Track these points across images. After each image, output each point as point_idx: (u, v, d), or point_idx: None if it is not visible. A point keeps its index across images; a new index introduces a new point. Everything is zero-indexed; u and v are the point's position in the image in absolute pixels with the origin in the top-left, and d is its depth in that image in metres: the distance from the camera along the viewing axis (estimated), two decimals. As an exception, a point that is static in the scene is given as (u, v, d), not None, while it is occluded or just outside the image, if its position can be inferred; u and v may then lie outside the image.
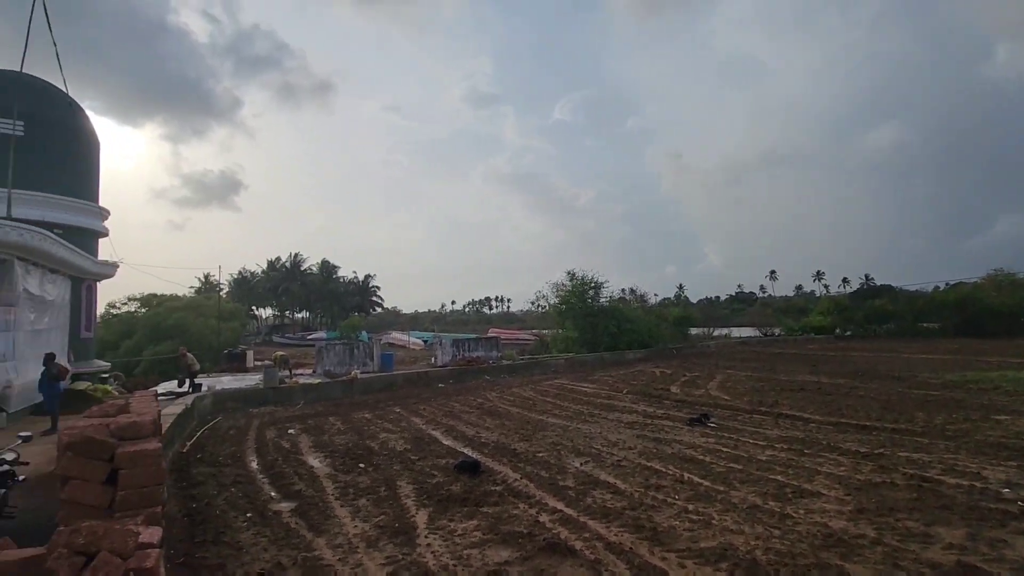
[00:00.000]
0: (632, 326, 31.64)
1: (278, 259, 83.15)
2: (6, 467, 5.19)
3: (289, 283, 78.81)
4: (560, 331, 33.77)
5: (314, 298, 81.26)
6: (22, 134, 15.04)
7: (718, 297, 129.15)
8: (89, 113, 18.83)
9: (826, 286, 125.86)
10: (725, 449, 9.40)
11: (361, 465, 9.08)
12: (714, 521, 6.04)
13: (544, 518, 6.30)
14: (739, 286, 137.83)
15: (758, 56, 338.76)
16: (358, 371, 20.40)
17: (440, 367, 23.36)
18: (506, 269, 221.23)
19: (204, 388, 16.72)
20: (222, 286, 65.51)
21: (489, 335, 35.01)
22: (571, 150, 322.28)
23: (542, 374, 23.75)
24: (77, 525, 3.25)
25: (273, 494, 7.71)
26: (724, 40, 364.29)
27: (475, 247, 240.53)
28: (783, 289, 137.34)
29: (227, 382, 19.45)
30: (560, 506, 6.70)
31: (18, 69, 14.57)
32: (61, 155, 17.02)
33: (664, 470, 8.18)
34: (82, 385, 14.92)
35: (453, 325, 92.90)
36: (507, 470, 8.46)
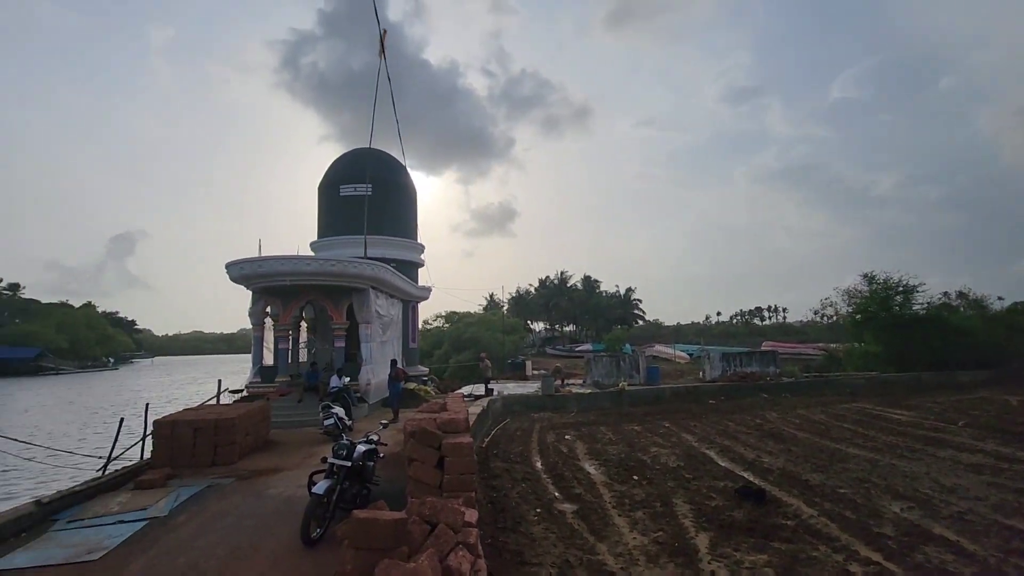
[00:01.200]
0: (966, 340, 24.50)
1: (547, 277, 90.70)
2: (374, 445, 6.77)
3: (557, 299, 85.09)
4: (857, 345, 28.27)
5: (579, 312, 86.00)
6: (371, 194, 19.80)
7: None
8: (409, 170, 23.76)
9: None
10: None
11: (635, 477, 9.14)
12: None
13: (856, 568, 5.34)
14: None
15: None
16: (625, 383, 20.53)
17: (710, 382, 22.08)
18: (779, 276, 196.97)
19: (495, 392, 18.93)
20: (503, 303, 74.75)
21: (764, 348, 31.52)
22: (859, 131, 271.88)
23: (835, 395, 20.29)
24: (423, 499, 4.05)
25: (557, 494, 8.31)
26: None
27: (742, 254, 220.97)
28: None
29: (511, 388, 21.76)
30: (877, 557, 5.58)
31: (368, 146, 19.42)
32: (394, 206, 21.93)
33: (1040, 535, 6.07)
34: (411, 385, 18.44)
35: (719, 337, 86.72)
36: (799, 503, 7.44)
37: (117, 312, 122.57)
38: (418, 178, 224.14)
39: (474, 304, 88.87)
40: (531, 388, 21.36)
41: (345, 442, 6.29)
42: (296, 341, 19.11)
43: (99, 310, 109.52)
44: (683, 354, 44.29)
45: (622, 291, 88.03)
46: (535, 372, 28.69)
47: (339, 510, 6.12)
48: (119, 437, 10.82)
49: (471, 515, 4.15)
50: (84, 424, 25.15)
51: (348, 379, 14.77)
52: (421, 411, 7.94)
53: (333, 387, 13.96)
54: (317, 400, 14.41)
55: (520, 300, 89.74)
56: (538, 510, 7.46)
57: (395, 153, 22.61)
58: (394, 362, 15.69)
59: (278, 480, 8.58)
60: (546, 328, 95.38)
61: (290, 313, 16.33)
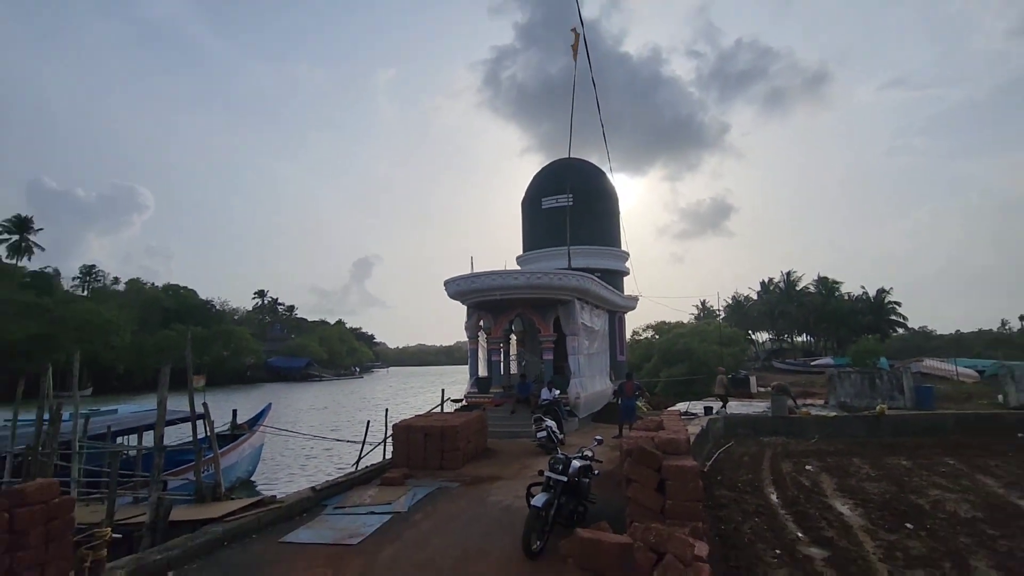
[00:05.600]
0: None
1: (771, 280, 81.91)
2: (589, 462, 6.88)
3: (784, 305, 76.08)
4: None
5: (813, 319, 75.29)
6: (572, 204, 20.43)
7: None
8: (612, 173, 23.84)
9: None
10: None
11: (908, 525, 7.67)
12: None
13: None
14: None
15: None
16: (885, 405, 17.49)
17: (1016, 408, 17.48)
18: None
19: (714, 411, 17.89)
20: (719, 312, 69.81)
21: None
22: None
23: None
24: (648, 525, 3.94)
25: (800, 535, 7.43)
26: None
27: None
28: None
29: (734, 407, 20.04)
30: None
31: (567, 155, 20.07)
32: (596, 214, 22.28)
33: None
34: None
35: (1025, 349, 67.18)
36: None
37: (360, 328, 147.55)
38: (621, 180, 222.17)
39: (685, 313, 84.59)
40: (757, 408, 19.68)
41: (561, 456, 6.50)
42: (507, 354, 20.39)
43: (347, 326, 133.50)
44: (969, 372, 35.60)
45: (871, 293, 74.56)
46: (762, 389, 26.08)
47: (557, 525, 6.33)
48: (366, 437, 13.09)
49: (701, 548, 3.91)
50: (339, 425, 30.64)
51: (558, 392, 15.07)
52: (637, 428, 7.89)
53: (544, 399, 14.44)
54: (529, 412, 15.19)
55: (738, 308, 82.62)
56: (777, 551, 6.71)
57: (599, 156, 23.09)
58: (629, 375, 15.70)
59: (498, 488, 9.27)
60: (771, 339, 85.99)
61: (501, 326, 17.53)
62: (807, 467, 11.82)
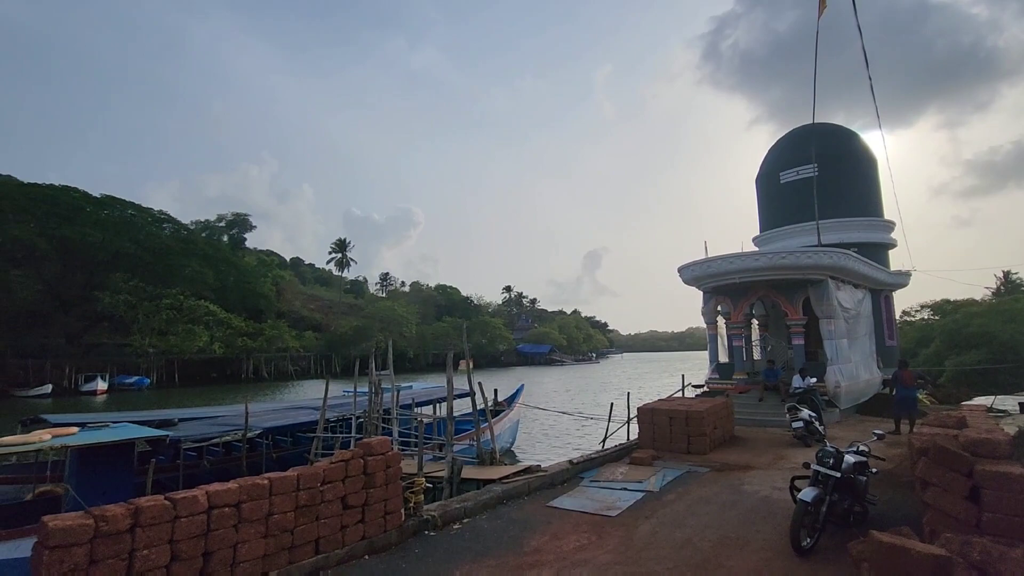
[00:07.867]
0: None
1: None
2: (864, 458, 5.91)
3: None
4: None
5: None
6: (817, 174, 17.65)
7: None
8: (863, 133, 19.85)
9: None
10: None
11: None
12: None
13: None
14: None
15: None
16: None
17: None
18: None
19: None
20: None
21: None
22: None
23: None
24: (967, 539, 3.21)
25: None
26: None
27: None
28: None
29: None
30: None
31: (811, 120, 17.24)
32: (848, 182, 18.96)
33: None
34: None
35: None
36: None
37: (594, 316, 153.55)
38: (876, 138, 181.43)
39: (977, 288, 66.04)
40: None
41: (831, 449, 5.71)
42: (748, 339, 18.62)
43: (582, 315, 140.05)
44: None
45: None
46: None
47: (829, 523, 5.58)
48: (611, 418, 13.48)
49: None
50: (582, 406, 31.96)
51: (814, 380, 13.41)
52: (929, 424, 6.56)
53: (797, 388, 13.03)
54: (778, 400, 13.93)
55: (1062, 278, 61.15)
56: None
57: (845, 115, 19.45)
58: (904, 362, 13.17)
59: (751, 477, 8.61)
60: None
61: (740, 311, 16.28)
62: None
